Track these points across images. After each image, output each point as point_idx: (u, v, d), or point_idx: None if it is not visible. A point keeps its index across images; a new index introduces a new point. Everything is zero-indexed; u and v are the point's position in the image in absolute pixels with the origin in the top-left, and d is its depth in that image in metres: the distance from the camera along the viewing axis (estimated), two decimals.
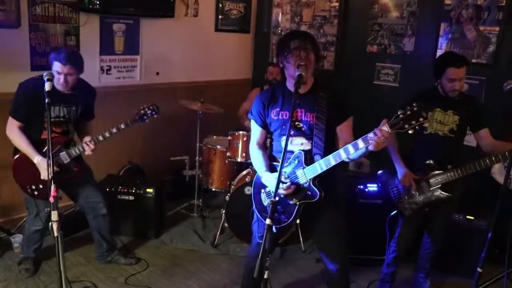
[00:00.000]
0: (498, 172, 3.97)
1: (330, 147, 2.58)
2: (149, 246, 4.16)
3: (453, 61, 3.10)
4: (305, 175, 2.55)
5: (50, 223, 2.28)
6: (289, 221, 2.62)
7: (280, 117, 2.66)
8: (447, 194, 3.17)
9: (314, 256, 4.05)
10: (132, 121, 3.38)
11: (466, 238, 3.75)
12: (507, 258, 2.73)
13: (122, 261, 3.77)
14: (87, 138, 3.32)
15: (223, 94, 5.68)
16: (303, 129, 2.62)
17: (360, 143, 2.32)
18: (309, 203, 2.58)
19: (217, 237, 4.27)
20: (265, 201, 2.73)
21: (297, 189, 2.58)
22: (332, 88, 2.70)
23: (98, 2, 4.29)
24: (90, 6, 4.30)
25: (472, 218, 3.81)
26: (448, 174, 3.13)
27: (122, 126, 3.35)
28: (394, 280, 3.57)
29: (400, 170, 3.28)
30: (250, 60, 6.27)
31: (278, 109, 2.67)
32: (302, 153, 2.58)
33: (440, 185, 3.17)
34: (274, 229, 2.52)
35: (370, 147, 2.30)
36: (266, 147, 2.90)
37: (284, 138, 2.61)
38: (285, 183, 2.55)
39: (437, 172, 3.18)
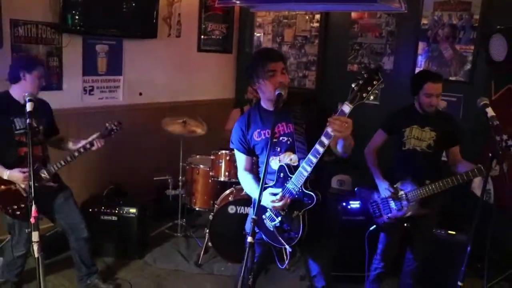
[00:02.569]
0: (478, 187, 4.02)
1: None
2: (132, 267, 4.12)
3: (431, 77, 3.22)
4: (295, 183, 2.49)
5: (31, 244, 2.26)
6: (300, 235, 2.54)
7: (263, 137, 2.66)
8: (425, 208, 3.21)
9: (298, 274, 4.05)
10: (103, 135, 3.47)
11: (448, 253, 3.77)
12: (486, 271, 2.76)
13: (101, 286, 3.68)
14: (94, 136, 3.41)
15: (206, 113, 5.69)
16: (288, 142, 2.60)
17: (329, 130, 2.29)
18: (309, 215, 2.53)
19: (201, 256, 4.25)
20: (270, 226, 2.65)
21: (294, 202, 2.54)
22: (302, 95, 2.71)
23: (80, 23, 4.33)
24: (73, 28, 4.33)
25: (454, 233, 3.85)
26: (426, 189, 3.17)
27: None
28: None
29: (380, 184, 3.34)
30: (233, 79, 6.32)
31: (259, 130, 2.67)
32: (284, 165, 2.56)
33: (418, 200, 3.22)
34: (289, 249, 2.56)
35: (337, 135, 2.28)
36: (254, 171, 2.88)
37: (272, 158, 2.63)
38: (276, 194, 2.53)
39: (415, 187, 3.24)
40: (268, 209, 2.64)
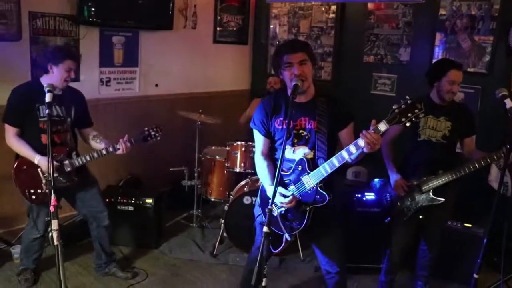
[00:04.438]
0: (495, 179, 4.00)
1: (332, 152, 2.59)
2: (148, 256, 4.17)
3: (455, 64, 3.19)
4: (311, 180, 2.56)
5: (50, 233, 2.30)
6: (301, 227, 2.63)
7: (284, 126, 2.67)
8: (438, 198, 3.20)
9: (312, 265, 4.06)
10: (136, 140, 3.45)
11: (465, 246, 3.76)
12: (503, 264, 2.75)
13: (119, 274, 3.76)
14: (123, 139, 3.39)
15: (222, 105, 5.72)
16: (306, 137, 2.65)
17: (361, 142, 2.37)
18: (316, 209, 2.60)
19: (216, 247, 4.28)
20: (275, 212, 2.64)
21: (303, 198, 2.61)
22: (333, 96, 2.74)
23: (97, 15, 4.36)
24: (90, 19, 4.36)
25: (470, 225, 3.82)
26: (440, 179, 3.16)
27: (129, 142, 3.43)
28: None
29: (393, 176, 3.33)
30: (248, 71, 6.32)
31: (281, 118, 2.70)
32: (305, 159, 2.61)
33: (432, 190, 3.21)
34: (288, 237, 2.63)
35: (365, 150, 2.36)
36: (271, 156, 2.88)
37: (288, 147, 2.66)
38: (287, 196, 2.57)
39: (428, 177, 3.22)
40: None
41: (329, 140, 2.62)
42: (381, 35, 5.03)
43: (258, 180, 4.14)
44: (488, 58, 4.33)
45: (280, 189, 2.60)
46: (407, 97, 2.30)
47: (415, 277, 3.66)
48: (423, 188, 3.23)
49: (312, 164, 2.60)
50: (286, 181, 2.68)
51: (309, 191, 2.58)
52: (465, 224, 3.83)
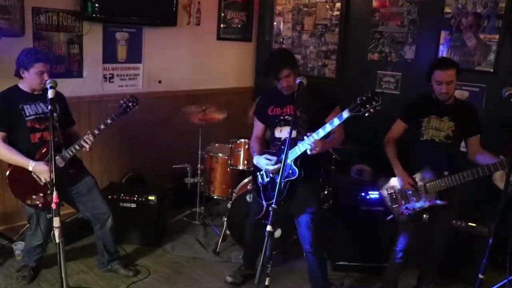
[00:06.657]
0: (499, 178, 3.96)
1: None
2: (151, 254, 4.16)
3: (439, 64, 3.21)
4: (289, 157, 3.00)
5: (52, 231, 2.29)
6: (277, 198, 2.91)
7: (273, 113, 3.30)
8: (443, 201, 3.17)
9: None
10: (117, 115, 3.45)
11: (469, 245, 3.74)
12: (509, 264, 2.72)
13: (122, 272, 3.75)
14: (86, 136, 3.31)
15: (225, 102, 5.69)
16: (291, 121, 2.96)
17: (336, 120, 2.78)
18: (292, 185, 3.08)
19: (219, 244, 4.27)
20: (259, 182, 3.32)
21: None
22: (314, 85, 3.19)
23: (101, 11, 4.35)
24: (93, 15, 4.35)
25: (474, 224, 3.80)
26: (446, 181, 3.13)
27: (109, 121, 3.41)
28: (396, 287, 3.57)
29: (399, 173, 3.30)
30: (252, 68, 6.30)
31: (273, 106, 3.31)
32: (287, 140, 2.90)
33: (437, 192, 3.18)
34: (264, 204, 3.25)
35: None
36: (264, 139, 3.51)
37: (277, 128, 3.27)
38: (271, 160, 3.14)
39: (435, 178, 3.19)
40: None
41: (310, 125, 3.00)
42: (386, 33, 5.00)
43: None
44: (493, 57, 4.29)
45: (266, 155, 3.19)
46: (370, 91, 2.62)
47: (420, 277, 3.64)
48: (429, 190, 3.20)
49: (292, 144, 2.96)
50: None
51: (286, 167, 2.98)
52: (470, 223, 3.81)
